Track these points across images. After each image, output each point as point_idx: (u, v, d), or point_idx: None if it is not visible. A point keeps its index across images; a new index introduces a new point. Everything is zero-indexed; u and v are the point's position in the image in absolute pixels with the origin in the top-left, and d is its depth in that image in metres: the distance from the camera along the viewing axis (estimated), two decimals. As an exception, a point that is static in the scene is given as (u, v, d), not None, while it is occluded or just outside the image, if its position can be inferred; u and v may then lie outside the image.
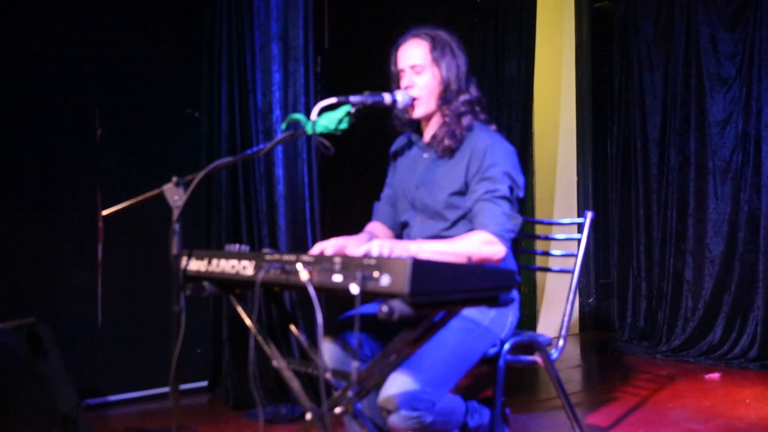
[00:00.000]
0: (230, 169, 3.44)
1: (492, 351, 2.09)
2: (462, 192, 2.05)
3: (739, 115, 4.46)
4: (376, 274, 1.32)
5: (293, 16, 3.51)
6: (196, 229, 3.51)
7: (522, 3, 4.85)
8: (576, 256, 2.39)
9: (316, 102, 2.61)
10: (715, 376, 3.95)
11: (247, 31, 3.44)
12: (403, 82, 2.09)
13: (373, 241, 1.75)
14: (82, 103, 3.34)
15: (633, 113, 4.97)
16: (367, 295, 1.35)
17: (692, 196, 4.63)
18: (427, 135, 2.17)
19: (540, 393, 3.73)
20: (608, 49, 5.36)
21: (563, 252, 2.56)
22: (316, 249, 1.89)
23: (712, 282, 4.50)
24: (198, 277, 1.78)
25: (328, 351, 2.05)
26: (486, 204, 1.98)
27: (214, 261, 1.72)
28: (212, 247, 3.37)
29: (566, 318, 2.36)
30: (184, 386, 3.54)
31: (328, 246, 1.90)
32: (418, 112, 2.10)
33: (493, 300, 1.50)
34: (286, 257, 1.52)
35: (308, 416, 1.71)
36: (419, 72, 2.07)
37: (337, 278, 1.39)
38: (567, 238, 2.67)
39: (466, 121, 2.08)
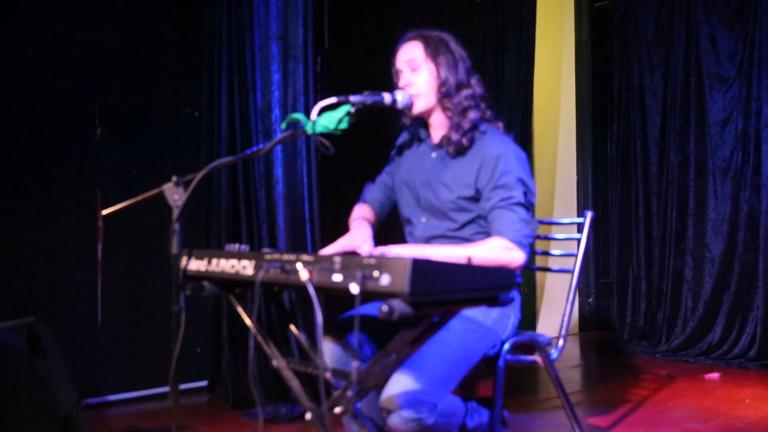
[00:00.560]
0: (230, 168, 3.45)
1: (492, 351, 2.09)
2: (472, 198, 2.04)
3: (738, 115, 4.46)
4: (376, 273, 1.32)
5: (293, 16, 3.51)
6: (195, 228, 3.51)
7: (522, 2, 4.85)
8: (576, 255, 2.39)
9: (315, 101, 2.61)
10: (715, 375, 3.95)
11: (246, 30, 3.44)
12: (401, 82, 2.10)
13: (390, 247, 1.75)
14: (82, 102, 3.34)
15: (633, 113, 4.97)
16: (367, 295, 1.35)
17: (692, 196, 4.63)
18: (435, 134, 2.17)
19: (540, 393, 3.73)
20: (608, 49, 5.37)
21: (563, 252, 2.56)
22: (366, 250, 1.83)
23: (712, 282, 4.51)
24: (198, 277, 1.78)
25: (328, 351, 2.05)
26: (502, 211, 1.97)
27: (214, 260, 1.72)
28: (212, 247, 3.37)
29: (566, 318, 2.36)
30: (183, 386, 3.54)
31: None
32: (418, 107, 2.10)
33: (493, 299, 1.50)
34: (286, 257, 1.52)
35: (308, 416, 1.70)
36: (415, 69, 2.08)
37: (337, 278, 1.39)
38: (567, 237, 2.67)
39: (472, 115, 2.06)
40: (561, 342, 2.31)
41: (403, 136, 2.33)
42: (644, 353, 4.62)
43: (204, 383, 3.61)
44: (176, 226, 1.68)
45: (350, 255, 1.41)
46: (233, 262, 1.67)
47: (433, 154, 2.17)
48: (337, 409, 1.65)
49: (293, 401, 3.19)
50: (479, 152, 2.04)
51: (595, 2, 5.60)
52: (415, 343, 1.54)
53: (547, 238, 2.77)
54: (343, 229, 2.23)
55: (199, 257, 1.76)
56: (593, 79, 5.57)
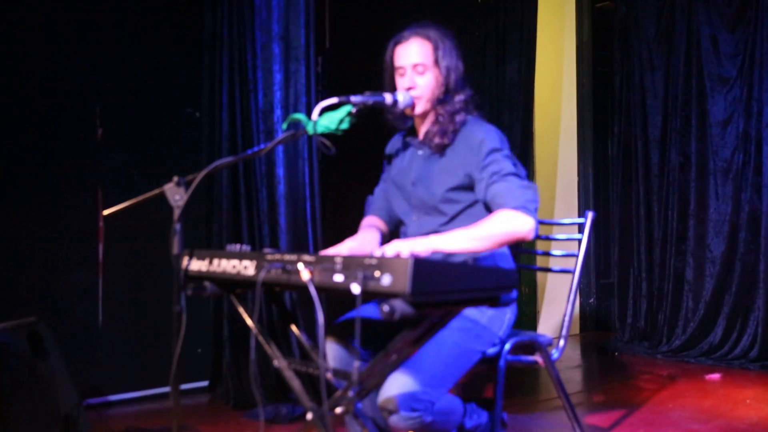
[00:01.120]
0: (231, 168, 3.45)
1: (492, 351, 2.08)
2: (462, 186, 2.04)
3: (740, 116, 4.46)
4: (377, 273, 1.32)
5: (294, 16, 3.51)
6: (196, 228, 3.51)
7: (523, 3, 4.85)
8: (576, 256, 2.39)
9: (317, 102, 2.61)
10: (716, 376, 3.95)
11: (248, 30, 3.44)
12: (405, 82, 2.08)
13: (396, 242, 1.76)
14: (83, 103, 3.34)
15: (634, 113, 4.97)
16: (369, 295, 1.35)
17: (693, 197, 4.63)
18: (421, 131, 2.17)
19: (540, 393, 3.73)
20: (609, 50, 5.37)
21: (564, 252, 2.56)
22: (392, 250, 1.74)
23: (713, 282, 4.50)
24: (199, 277, 1.78)
25: (330, 351, 2.05)
26: (497, 185, 1.96)
27: (215, 261, 1.72)
28: (213, 247, 3.38)
29: (567, 318, 2.36)
30: (184, 386, 3.54)
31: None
32: (418, 109, 2.10)
33: (494, 300, 1.50)
34: (288, 257, 1.52)
35: (309, 416, 1.71)
36: (421, 72, 2.07)
37: (338, 278, 1.39)
38: (567, 238, 2.67)
39: (459, 118, 2.08)
40: (562, 342, 2.31)
41: (391, 143, 2.35)
42: (645, 354, 4.62)
43: (205, 383, 3.61)
44: (177, 227, 1.68)
45: (352, 255, 1.41)
46: (234, 262, 1.66)
47: (420, 152, 2.17)
48: (338, 410, 1.65)
49: (294, 401, 3.19)
50: (463, 141, 2.06)
51: (596, 3, 5.60)
52: (416, 343, 1.54)
53: (548, 239, 2.77)
54: (344, 228, 2.23)
55: (200, 257, 1.76)
56: (594, 80, 5.57)
